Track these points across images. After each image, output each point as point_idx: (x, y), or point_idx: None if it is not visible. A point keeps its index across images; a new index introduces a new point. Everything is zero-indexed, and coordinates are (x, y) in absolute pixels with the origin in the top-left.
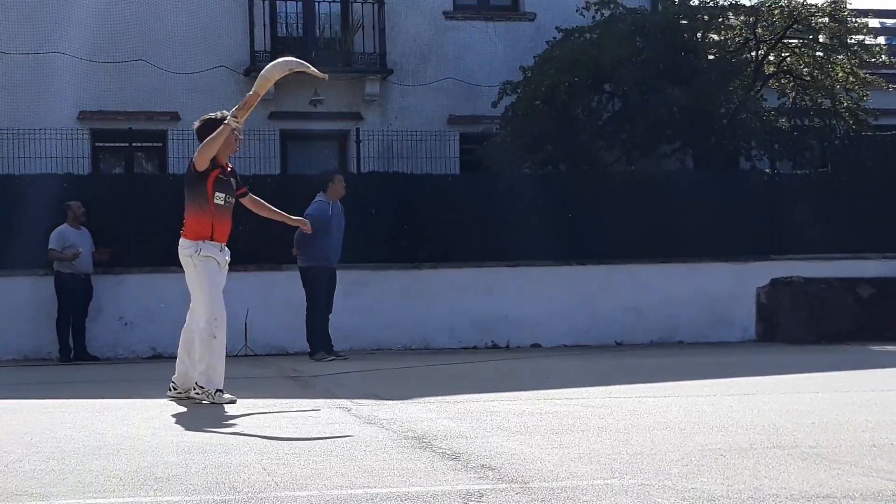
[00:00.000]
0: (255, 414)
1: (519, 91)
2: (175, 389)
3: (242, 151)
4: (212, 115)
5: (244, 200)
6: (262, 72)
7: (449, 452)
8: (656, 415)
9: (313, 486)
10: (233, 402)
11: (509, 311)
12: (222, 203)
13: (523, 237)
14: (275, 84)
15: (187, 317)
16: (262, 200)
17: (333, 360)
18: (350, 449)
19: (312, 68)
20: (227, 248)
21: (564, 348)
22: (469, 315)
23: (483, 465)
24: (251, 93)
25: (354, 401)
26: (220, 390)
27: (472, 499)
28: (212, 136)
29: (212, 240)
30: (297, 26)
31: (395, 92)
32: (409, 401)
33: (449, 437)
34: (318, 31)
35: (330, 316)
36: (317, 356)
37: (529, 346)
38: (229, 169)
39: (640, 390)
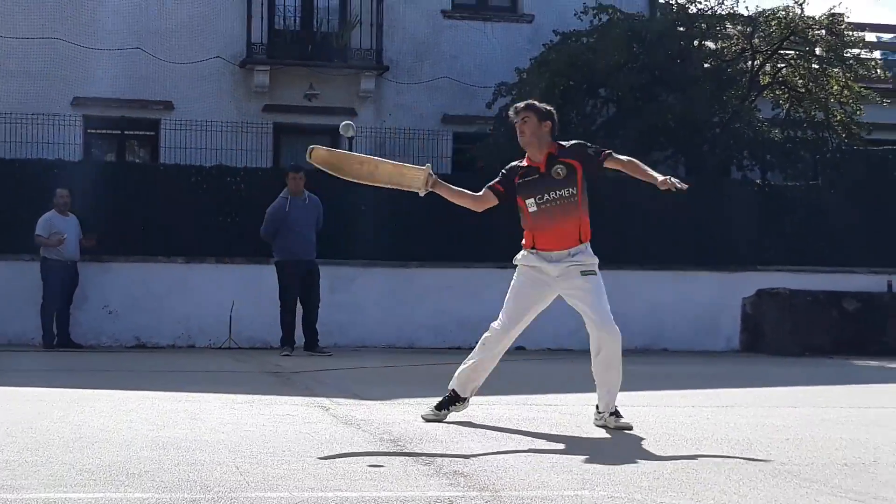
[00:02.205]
0: (233, 411)
1: (514, 93)
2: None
3: (235, 144)
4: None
5: (609, 164)
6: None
7: (423, 457)
8: (633, 424)
9: (284, 488)
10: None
11: (496, 312)
12: (536, 209)
13: (513, 239)
14: (269, 76)
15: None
16: (631, 160)
17: (287, 355)
18: (325, 450)
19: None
20: (579, 253)
21: (549, 352)
22: (455, 315)
23: (455, 472)
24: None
25: (334, 399)
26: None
27: None
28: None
29: (533, 248)
30: (295, 19)
31: (390, 89)
32: (389, 401)
33: (424, 440)
34: (315, 25)
35: (318, 310)
36: (282, 349)
37: (514, 349)
38: (541, 161)
39: (619, 399)
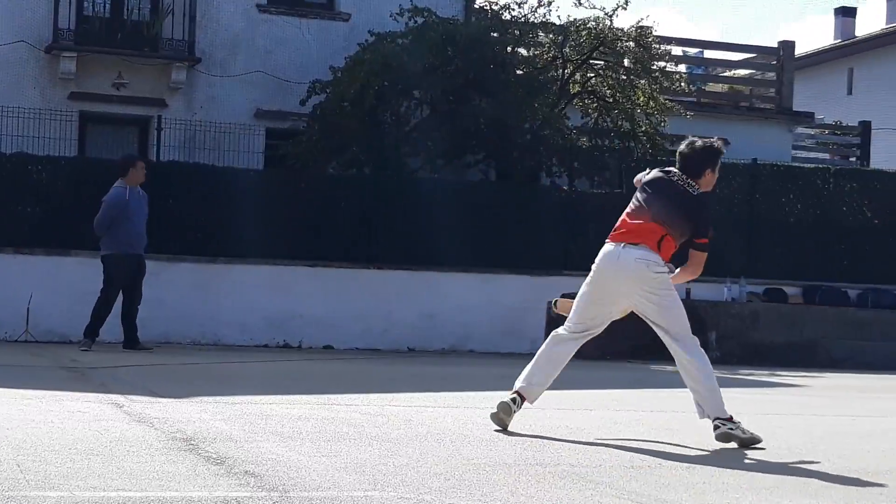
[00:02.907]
0: (21, 407)
1: (328, 91)
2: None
3: (37, 132)
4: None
5: None
6: None
7: (214, 456)
8: (431, 425)
9: (65, 487)
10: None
11: (304, 310)
12: None
13: (324, 237)
14: (76, 63)
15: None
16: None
17: (87, 350)
18: (113, 448)
19: None
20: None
21: (357, 351)
22: (262, 312)
23: (246, 472)
24: None
25: (128, 396)
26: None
27: None
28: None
29: None
30: (105, 6)
31: (202, 81)
32: (186, 399)
33: (218, 439)
34: (126, 13)
35: (139, 306)
36: (81, 343)
37: (322, 348)
38: None
39: (421, 399)
